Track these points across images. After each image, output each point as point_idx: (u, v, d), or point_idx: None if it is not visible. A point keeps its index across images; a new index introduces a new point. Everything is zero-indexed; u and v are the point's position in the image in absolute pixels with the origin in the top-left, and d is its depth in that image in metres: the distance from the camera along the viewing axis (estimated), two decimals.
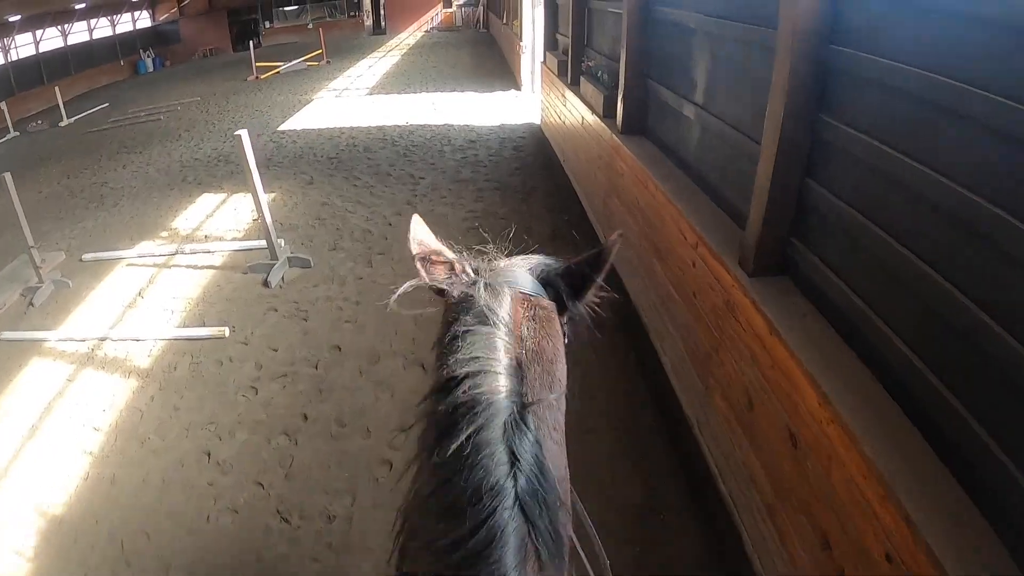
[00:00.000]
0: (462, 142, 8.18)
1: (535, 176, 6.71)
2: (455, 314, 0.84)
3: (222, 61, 24.21)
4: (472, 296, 0.85)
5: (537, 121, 8.81)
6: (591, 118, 4.90)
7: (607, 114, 4.56)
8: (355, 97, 12.86)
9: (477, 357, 0.76)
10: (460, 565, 0.64)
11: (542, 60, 8.07)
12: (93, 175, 9.05)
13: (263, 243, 5.21)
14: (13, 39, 20.54)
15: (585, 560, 1.08)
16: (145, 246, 5.94)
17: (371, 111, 11.04)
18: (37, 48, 21.78)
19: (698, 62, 3.28)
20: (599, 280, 0.96)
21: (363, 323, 4.23)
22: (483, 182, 6.68)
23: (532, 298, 0.90)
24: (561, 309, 0.94)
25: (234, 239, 5.90)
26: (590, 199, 5.32)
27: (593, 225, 5.08)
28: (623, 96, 4.24)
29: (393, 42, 24.49)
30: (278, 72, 17.52)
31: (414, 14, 27.36)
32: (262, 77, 17.08)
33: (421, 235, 1.05)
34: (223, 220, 6.46)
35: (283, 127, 10.54)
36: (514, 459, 0.69)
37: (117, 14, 25.14)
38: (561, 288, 0.94)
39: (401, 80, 14.57)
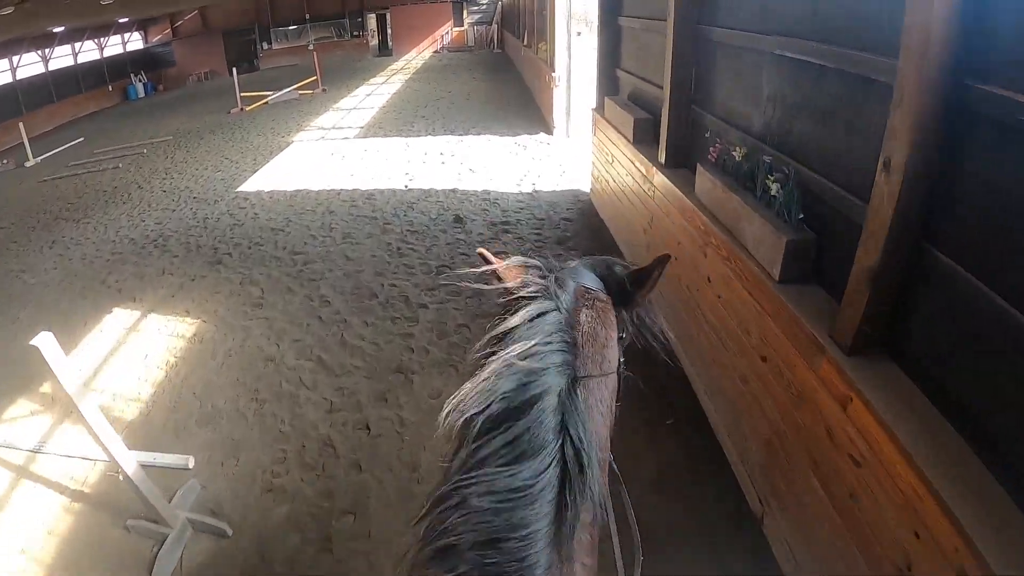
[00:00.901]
0: (482, 226, 5.88)
1: None
2: (524, 302, 0.97)
3: (216, 86, 22.30)
4: (542, 287, 0.99)
5: (584, 188, 6.52)
6: (745, 266, 2.51)
7: (791, 276, 2.23)
8: (344, 139, 10.67)
9: (542, 331, 0.91)
10: (508, 502, 0.77)
11: (593, 107, 5.79)
12: (16, 256, 7.02)
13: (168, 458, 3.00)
14: None
15: (616, 545, 1.11)
16: (4, 428, 3.70)
17: (361, 162, 8.82)
18: (14, 75, 20.02)
19: None
20: (649, 290, 1.13)
21: None
22: None
23: (591, 291, 1.06)
24: (618, 305, 1.11)
25: (129, 423, 3.64)
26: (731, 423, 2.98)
27: (729, 456, 2.77)
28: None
29: (398, 64, 22.47)
30: (266, 103, 15.48)
31: (422, 33, 25.36)
32: (248, 109, 15.06)
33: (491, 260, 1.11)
34: (122, 374, 4.22)
35: (247, 186, 8.36)
36: (563, 425, 0.84)
37: (104, 36, 23.41)
38: (618, 288, 1.12)
39: (403, 115, 12.39)
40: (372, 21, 25.51)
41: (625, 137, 4.42)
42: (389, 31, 25.63)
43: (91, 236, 7.44)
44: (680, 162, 3.57)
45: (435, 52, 25.01)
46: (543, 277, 1.01)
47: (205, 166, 9.94)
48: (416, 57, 24.40)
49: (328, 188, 7.66)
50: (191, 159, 10.66)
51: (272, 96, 15.62)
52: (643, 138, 4.22)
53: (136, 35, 25.51)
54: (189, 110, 17.08)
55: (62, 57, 22.22)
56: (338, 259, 5.42)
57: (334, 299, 4.75)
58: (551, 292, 0.97)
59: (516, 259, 1.08)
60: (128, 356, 4.50)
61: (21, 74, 20.15)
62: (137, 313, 5.16)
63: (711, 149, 2.89)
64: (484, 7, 24.91)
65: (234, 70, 16.13)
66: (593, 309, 1.02)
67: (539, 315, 0.93)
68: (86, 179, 10.74)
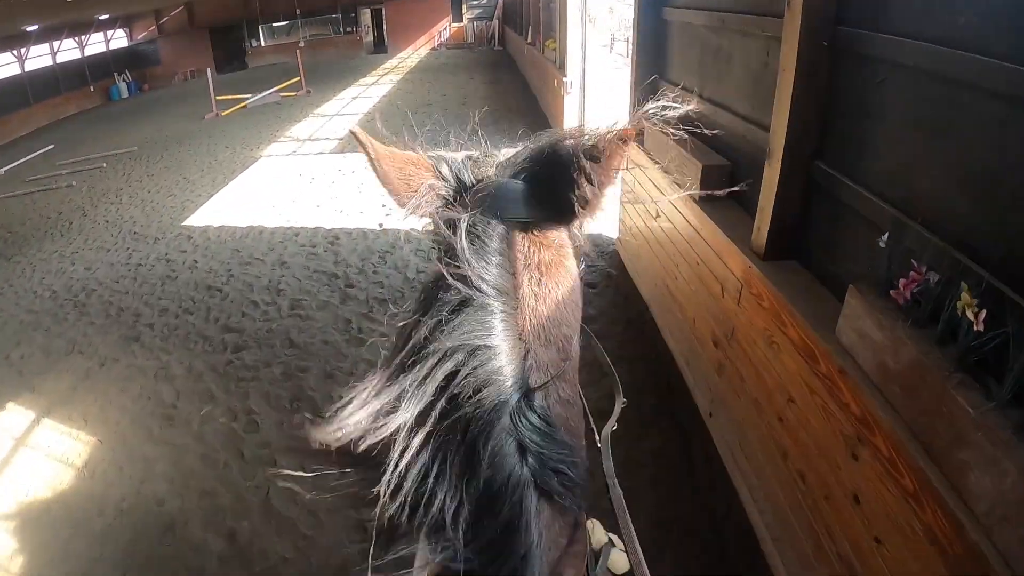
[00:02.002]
0: None
1: (649, 431, 3.10)
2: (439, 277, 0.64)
3: (201, 85, 20.99)
4: (451, 248, 0.65)
5: (607, 232, 5.25)
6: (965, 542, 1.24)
7: None
8: (318, 155, 9.40)
9: (466, 345, 0.60)
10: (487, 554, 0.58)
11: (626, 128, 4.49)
12: None
13: None
14: None
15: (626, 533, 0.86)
16: None
17: (331, 188, 7.55)
18: None
19: None
20: (612, 176, 0.71)
21: None
22: None
23: (535, 234, 0.70)
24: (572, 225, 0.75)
25: None
26: None
27: None
28: None
29: (393, 62, 21.12)
30: (244, 107, 14.22)
31: (419, 30, 23.95)
32: (224, 114, 13.82)
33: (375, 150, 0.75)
34: None
35: (196, 217, 7.14)
36: (523, 450, 0.60)
37: (85, 34, 22.17)
38: (568, 188, 0.70)
39: (389, 123, 11.04)
40: (366, 16, 24.15)
41: (682, 187, 3.13)
42: (384, 27, 24.25)
43: (16, 282, 6.31)
44: (787, 250, 2.31)
45: (432, 49, 23.63)
46: (454, 219, 0.67)
47: (159, 187, 8.72)
48: (412, 55, 23.04)
49: (286, 226, 6.39)
50: (147, 177, 9.45)
51: (251, 99, 14.36)
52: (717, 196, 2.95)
53: (120, 32, 24.28)
54: (165, 114, 15.89)
55: (40, 57, 21.03)
56: (279, 345, 4.17)
57: (264, 419, 3.51)
58: (473, 275, 0.63)
59: (407, 154, 0.76)
60: (5, 493, 3.34)
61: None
62: (31, 415, 4.00)
63: (901, 282, 1.50)
64: (484, 1, 23.47)
65: (208, 72, 14.85)
66: (540, 268, 0.68)
67: (456, 310, 0.62)
68: (36, 200, 9.63)
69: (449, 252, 0.67)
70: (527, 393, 0.62)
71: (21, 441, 3.80)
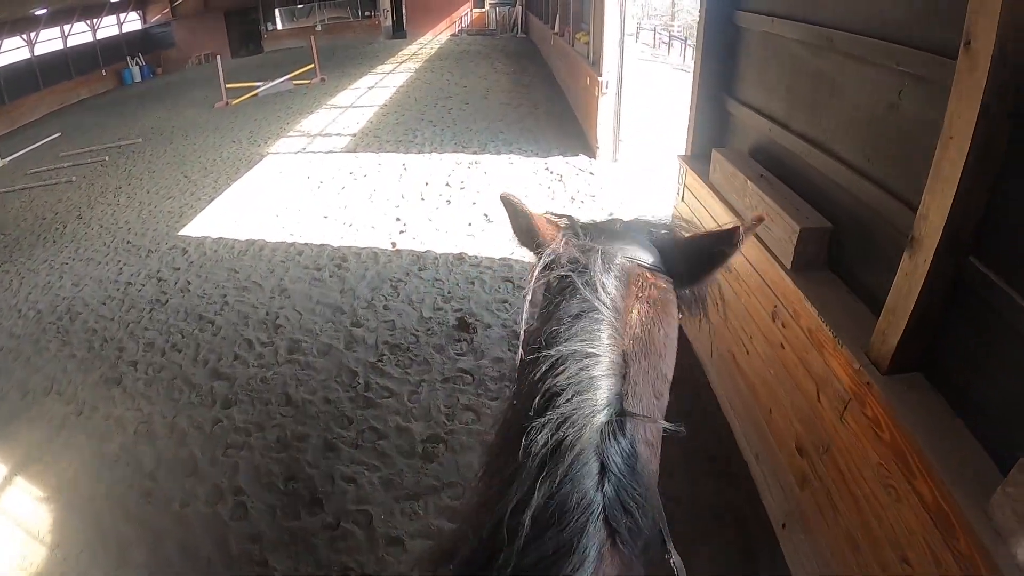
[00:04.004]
0: (499, 340, 3.92)
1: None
2: (558, 285, 0.74)
3: (213, 71, 20.43)
4: (581, 265, 0.74)
5: None
6: None
7: None
8: (329, 153, 8.75)
9: (578, 351, 0.66)
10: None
11: (682, 153, 3.76)
12: None
13: None
14: None
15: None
16: None
17: (340, 196, 6.90)
18: None
19: None
20: (727, 262, 0.81)
21: None
22: None
23: (649, 274, 0.78)
24: (678, 284, 0.83)
25: None
26: None
27: None
28: None
29: (412, 48, 20.32)
30: (255, 95, 13.59)
31: (439, 14, 23.03)
32: (234, 103, 13.20)
33: (521, 207, 0.88)
34: None
35: (194, 227, 6.55)
36: (604, 471, 0.61)
37: (97, 18, 21.65)
38: (681, 262, 0.82)
39: (406, 118, 10.38)
40: (386, 0, 23.29)
41: (767, 251, 2.42)
42: (404, 11, 23.38)
43: (1, 297, 5.78)
44: (915, 361, 1.66)
45: (452, 36, 22.74)
46: (584, 249, 0.77)
47: (158, 188, 8.14)
48: (432, 40, 22.20)
49: (289, 241, 5.76)
50: (148, 174, 8.88)
51: (262, 88, 13.71)
52: (813, 263, 2.26)
53: (134, 15, 23.73)
54: (176, 100, 15.33)
55: (50, 41, 20.55)
56: (275, 402, 3.54)
57: (254, 503, 2.90)
58: (595, 282, 0.71)
59: (545, 213, 0.89)
60: None
61: (3, 60, 18.52)
62: (3, 470, 3.46)
63: None
64: None
65: (218, 59, 14.21)
66: (649, 303, 0.75)
67: (576, 316, 0.69)
68: (35, 197, 9.12)
69: (570, 272, 0.73)
70: (621, 413, 0.64)
71: None
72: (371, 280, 4.78)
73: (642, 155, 7.31)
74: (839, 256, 2.23)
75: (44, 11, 17.99)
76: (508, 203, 0.87)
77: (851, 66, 2.15)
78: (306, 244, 5.60)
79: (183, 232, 6.44)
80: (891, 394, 1.63)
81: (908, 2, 1.84)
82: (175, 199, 7.60)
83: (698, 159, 3.48)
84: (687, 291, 0.84)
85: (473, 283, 4.62)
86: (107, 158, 10.47)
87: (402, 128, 9.75)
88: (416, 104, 11.50)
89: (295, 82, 14.38)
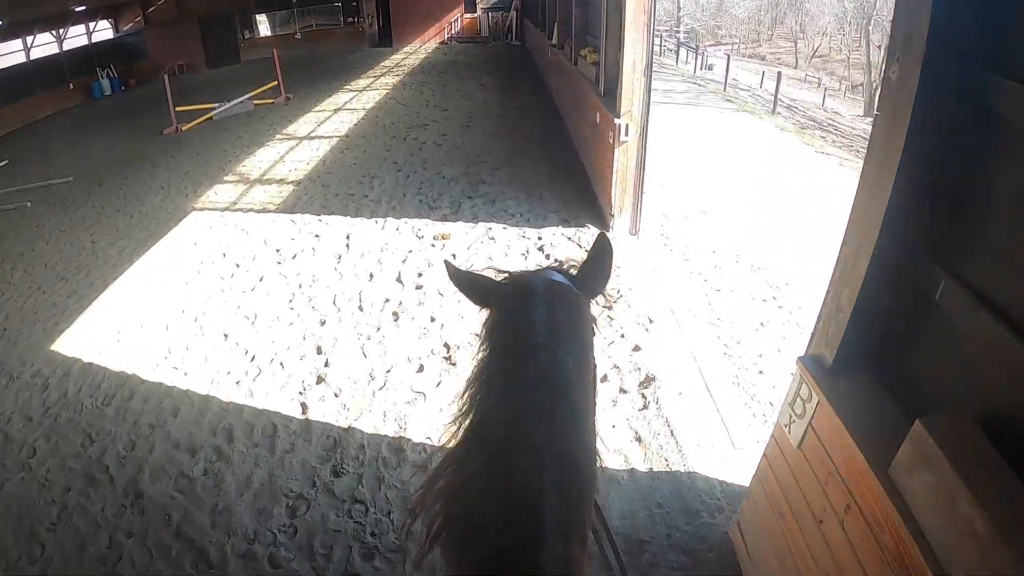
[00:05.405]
0: None
1: None
2: (494, 324, 0.97)
3: (185, 84, 18.89)
4: (512, 296, 0.98)
5: (700, 470, 3.00)
6: None
7: None
8: (259, 215, 7.13)
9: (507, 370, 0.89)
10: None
11: (801, 355, 2.37)
12: None
13: None
14: None
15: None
16: None
17: (251, 298, 5.28)
18: None
19: None
20: (613, 263, 1.08)
21: None
22: None
23: (563, 284, 1.00)
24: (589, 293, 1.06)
25: None
26: None
27: None
28: None
29: (396, 57, 18.71)
30: (210, 118, 12.02)
31: (428, 20, 21.36)
32: (184, 128, 11.65)
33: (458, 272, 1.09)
34: None
35: (67, 339, 4.98)
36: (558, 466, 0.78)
37: (63, 27, 20.16)
38: (588, 277, 1.06)
39: (366, 159, 8.74)
40: (370, 5, 21.67)
41: None
42: (390, 18, 21.75)
43: None
44: None
45: (441, 43, 21.09)
46: (510, 281, 1.04)
47: (58, 259, 6.63)
48: (419, 48, 20.57)
49: (167, 384, 4.14)
50: (59, 232, 7.40)
51: (218, 109, 12.14)
52: None
53: (104, 24, 22.25)
54: (122, 125, 13.79)
55: (12, 53, 19.10)
56: None
57: None
58: (525, 293, 0.98)
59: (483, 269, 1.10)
60: None
61: None
62: None
63: None
64: None
65: (164, 77, 12.69)
66: (565, 300, 0.98)
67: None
68: None
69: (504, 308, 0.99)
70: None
71: None
72: (258, 492, 3.16)
73: (672, 222, 5.73)
74: None
75: (0, 23, 16.51)
76: (450, 269, 1.08)
77: None
78: (187, 393, 4.02)
79: (55, 346, 4.89)
80: None
81: None
82: (68, 281, 6.05)
83: (841, 377, 1.89)
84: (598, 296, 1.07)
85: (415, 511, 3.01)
86: (29, 204, 8.93)
87: (359, 172, 8.14)
88: (383, 134, 9.90)
89: (256, 102, 12.81)
